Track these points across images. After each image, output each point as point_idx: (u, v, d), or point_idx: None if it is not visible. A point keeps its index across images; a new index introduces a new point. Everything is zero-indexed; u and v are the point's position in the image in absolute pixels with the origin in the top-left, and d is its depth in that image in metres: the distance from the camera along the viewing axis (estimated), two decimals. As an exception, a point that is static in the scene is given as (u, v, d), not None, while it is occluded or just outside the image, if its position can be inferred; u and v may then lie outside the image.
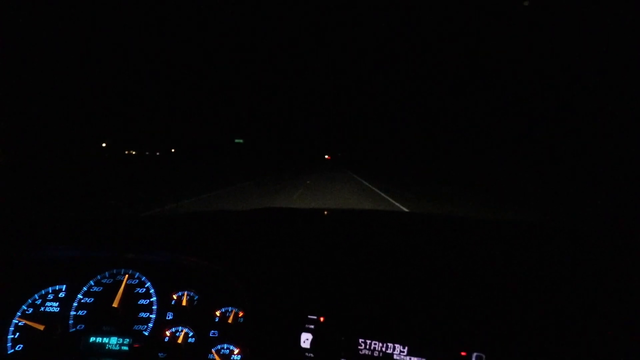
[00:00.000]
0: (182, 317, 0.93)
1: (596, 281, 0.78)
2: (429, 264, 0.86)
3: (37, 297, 0.96)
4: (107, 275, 0.99)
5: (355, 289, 0.83)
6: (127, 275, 0.98)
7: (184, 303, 0.94)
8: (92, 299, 0.96)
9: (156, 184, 13.28)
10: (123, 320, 0.93)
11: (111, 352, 0.90)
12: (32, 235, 1.04)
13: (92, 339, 0.91)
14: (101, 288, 0.98)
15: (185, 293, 0.95)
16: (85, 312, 0.95)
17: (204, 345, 0.89)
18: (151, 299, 0.96)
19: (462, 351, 0.72)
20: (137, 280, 0.98)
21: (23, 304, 0.95)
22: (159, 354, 0.89)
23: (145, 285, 0.98)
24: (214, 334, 0.91)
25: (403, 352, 0.75)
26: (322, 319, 0.79)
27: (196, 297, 0.96)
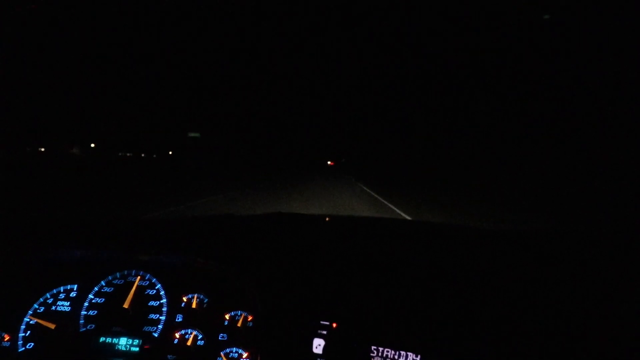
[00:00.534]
0: (192, 319, 0.93)
1: (607, 287, 0.78)
2: (445, 273, 0.86)
3: (48, 296, 0.97)
4: (118, 276, 1.00)
5: (369, 295, 0.82)
6: (139, 277, 0.98)
7: (193, 305, 0.94)
8: (103, 299, 0.97)
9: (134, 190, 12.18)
10: (133, 321, 0.93)
11: (121, 353, 0.90)
12: (45, 236, 1.05)
13: (102, 339, 0.91)
14: (112, 289, 0.98)
15: (195, 296, 0.96)
16: (96, 312, 0.95)
17: (213, 348, 0.89)
18: (161, 301, 0.96)
19: None
20: (148, 282, 0.99)
21: (35, 303, 0.95)
22: (168, 356, 0.89)
23: (156, 287, 0.98)
24: (223, 337, 0.90)
25: (416, 360, 0.74)
26: (334, 325, 0.78)
27: (206, 300, 0.96)
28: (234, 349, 0.88)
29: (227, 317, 0.92)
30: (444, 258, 0.96)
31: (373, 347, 0.76)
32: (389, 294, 0.82)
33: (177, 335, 0.91)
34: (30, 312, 0.94)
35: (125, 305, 0.92)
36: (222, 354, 0.88)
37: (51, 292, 0.97)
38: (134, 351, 0.90)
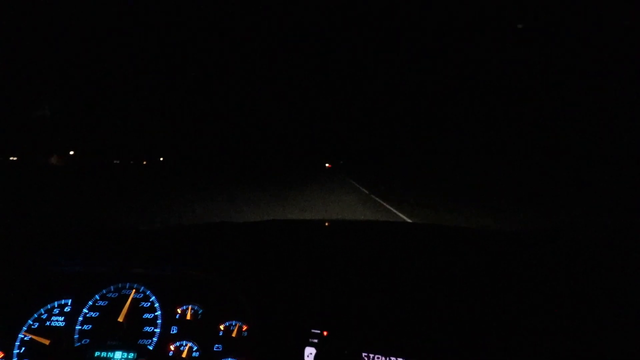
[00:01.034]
0: (187, 331, 0.94)
1: (607, 290, 0.79)
2: (435, 278, 0.87)
3: (43, 312, 0.97)
4: (112, 290, 1.00)
5: (360, 302, 0.83)
6: (133, 290, 0.99)
7: (188, 317, 0.95)
8: (98, 313, 0.97)
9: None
10: (128, 335, 0.94)
11: None
12: (38, 250, 1.05)
13: (97, 354, 0.92)
14: (106, 302, 0.99)
15: (190, 307, 0.96)
16: (91, 326, 0.96)
17: (208, 359, 0.90)
18: (156, 313, 0.97)
19: None
20: (142, 294, 0.99)
21: (29, 319, 0.96)
22: None
23: (150, 299, 0.99)
24: (218, 348, 0.91)
25: (406, 366, 0.75)
26: (325, 333, 0.80)
27: (200, 311, 0.96)
28: (229, 359, 0.89)
29: (221, 327, 0.93)
30: (435, 263, 0.98)
31: (364, 354, 0.77)
32: (379, 301, 0.83)
33: (172, 347, 0.92)
34: (24, 328, 0.94)
35: (120, 319, 0.93)
36: None
37: (45, 308, 0.98)
38: None
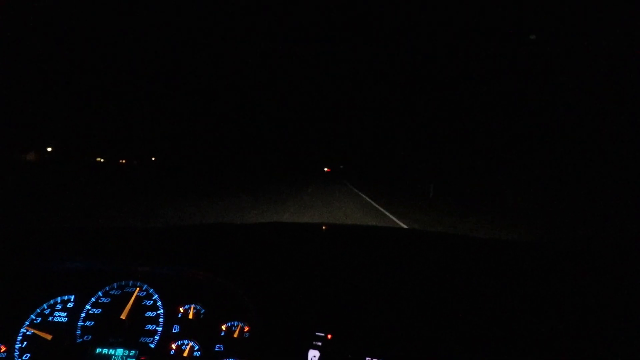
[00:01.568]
0: (189, 330, 0.94)
1: (599, 301, 0.79)
2: (439, 284, 0.87)
3: (45, 307, 0.97)
4: (115, 287, 1.00)
5: (364, 306, 0.83)
6: (137, 288, 0.99)
7: (190, 316, 0.95)
8: (100, 310, 0.97)
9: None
10: (130, 332, 0.94)
11: None
12: (42, 247, 1.06)
13: (98, 350, 0.92)
14: (109, 299, 0.99)
15: (192, 306, 0.96)
16: (93, 323, 0.96)
17: (209, 359, 0.90)
18: (158, 312, 0.97)
19: None
20: (145, 293, 0.99)
21: (32, 313, 0.96)
22: None
23: (153, 298, 0.99)
24: (219, 348, 0.91)
25: (410, 371, 0.75)
26: (329, 336, 0.80)
27: (203, 311, 0.96)
28: None
29: (223, 327, 0.93)
30: (440, 268, 0.98)
31: (368, 359, 0.77)
32: (384, 305, 0.83)
33: (173, 346, 0.92)
34: (26, 322, 0.94)
35: (123, 317, 0.93)
36: None
37: (48, 303, 0.98)
38: None
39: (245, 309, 0.92)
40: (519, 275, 0.94)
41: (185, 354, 0.90)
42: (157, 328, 0.95)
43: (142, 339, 0.93)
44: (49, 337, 0.90)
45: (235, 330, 0.92)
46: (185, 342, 0.92)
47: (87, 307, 0.98)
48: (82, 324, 0.95)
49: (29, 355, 0.91)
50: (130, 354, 0.91)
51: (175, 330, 0.94)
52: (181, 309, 0.97)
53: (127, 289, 1.00)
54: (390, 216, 10.24)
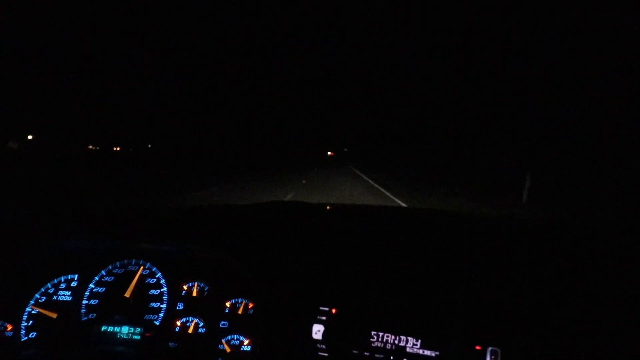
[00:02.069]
0: (193, 307, 0.94)
1: (610, 277, 0.77)
2: (444, 257, 0.85)
3: (50, 286, 0.97)
4: (118, 265, 1.00)
5: (368, 281, 0.82)
6: (141, 267, 0.98)
7: (194, 294, 0.94)
8: (104, 289, 0.97)
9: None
10: (134, 310, 0.94)
11: (122, 341, 0.91)
12: (47, 226, 1.05)
13: (103, 328, 0.92)
14: (112, 278, 0.98)
15: (196, 284, 0.96)
16: (97, 301, 0.96)
17: (214, 335, 0.89)
18: (162, 289, 0.97)
19: (477, 345, 0.71)
20: (148, 271, 0.99)
21: (36, 293, 0.96)
22: (170, 344, 0.90)
23: (156, 276, 0.98)
24: (224, 324, 0.91)
25: (416, 345, 0.74)
26: (334, 310, 0.78)
27: (206, 288, 0.96)
28: (235, 336, 0.89)
29: (227, 304, 0.93)
30: (443, 244, 0.96)
31: (373, 332, 0.76)
32: (388, 279, 0.82)
33: (178, 323, 0.92)
34: (32, 302, 0.95)
35: (127, 295, 0.92)
36: (223, 341, 0.88)
37: (52, 282, 0.98)
38: (136, 339, 0.91)
39: (249, 286, 0.91)
40: (533, 252, 0.92)
41: (190, 331, 0.90)
42: (162, 305, 0.95)
43: (147, 317, 0.93)
44: (54, 315, 0.90)
45: (239, 307, 0.91)
46: (190, 319, 0.92)
47: (91, 285, 0.97)
48: (87, 302, 0.96)
49: (35, 333, 0.91)
50: (136, 331, 0.91)
51: (179, 307, 0.94)
52: (185, 287, 0.96)
53: (130, 268, 0.99)
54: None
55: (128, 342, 0.91)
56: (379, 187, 12.92)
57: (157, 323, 0.93)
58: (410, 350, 0.74)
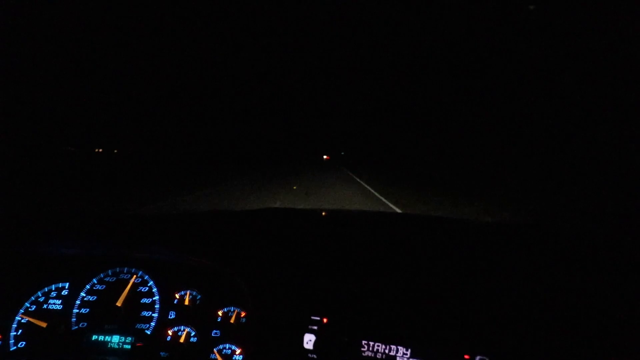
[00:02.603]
0: (185, 316, 0.93)
1: (598, 283, 0.78)
2: (432, 267, 0.86)
3: (40, 295, 0.96)
4: (109, 274, 0.99)
5: (359, 290, 0.82)
6: (134, 276, 0.98)
7: (186, 302, 0.94)
8: (95, 297, 0.97)
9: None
10: (125, 319, 0.93)
11: (113, 351, 0.90)
12: (36, 232, 1.04)
13: (94, 337, 0.91)
14: (104, 286, 0.98)
15: (188, 292, 0.96)
16: (88, 310, 0.95)
17: (206, 344, 0.89)
18: (154, 298, 0.96)
19: (466, 354, 0.72)
20: (140, 279, 0.98)
21: (26, 301, 0.95)
22: (161, 353, 0.89)
23: (148, 284, 0.98)
24: (216, 333, 0.91)
25: (406, 354, 0.75)
26: (325, 320, 0.79)
27: (199, 297, 0.96)
28: (227, 345, 0.88)
29: (220, 313, 0.92)
30: (434, 252, 0.97)
31: (364, 342, 0.77)
32: (378, 289, 0.82)
33: (169, 332, 0.91)
34: (21, 310, 0.94)
35: (119, 304, 0.92)
36: (215, 350, 0.88)
37: (42, 291, 0.97)
38: (127, 349, 0.90)
39: (241, 295, 0.91)
40: (520, 259, 0.93)
41: (181, 340, 0.89)
42: (153, 314, 0.94)
43: (138, 326, 0.93)
44: (44, 324, 0.89)
45: (231, 316, 0.91)
46: (182, 328, 0.92)
47: (82, 294, 0.97)
48: (77, 311, 0.95)
49: (24, 343, 0.91)
50: (127, 341, 0.91)
51: (171, 316, 0.94)
52: (177, 295, 0.96)
53: (122, 276, 0.99)
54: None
55: (119, 352, 0.90)
56: (373, 191, 12.61)
57: (148, 332, 0.92)
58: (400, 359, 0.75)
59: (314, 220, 1.34)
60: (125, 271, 1.00)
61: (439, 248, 0.98)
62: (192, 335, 0.91)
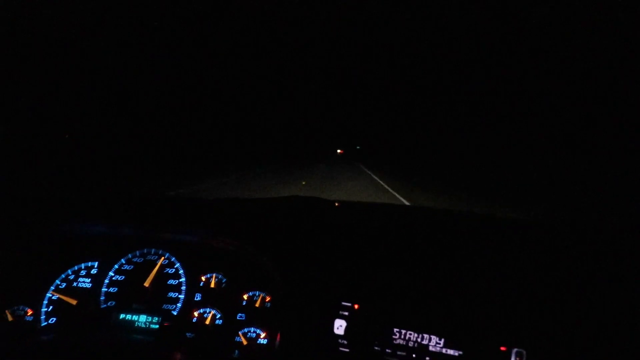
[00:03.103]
0: (210, 298, 0.94)
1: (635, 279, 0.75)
2: (470, 257, 0.84)
3: (70, 273, 0.98)
4: (138, 254, 1.00)
5: (392, 277, 0.81)
6: (162, 257, 0.98)
7: (212, 285, 0.94)
8: (123, 277, 0.98)
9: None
10: (152, 299, 0.94)
11: (140, 330, 0.91)
12: (68, 211, 1.06)
13: (122, 316, 0.92)
14: (132, 266, 0.99)
15: (214, 275, 0.96)
16: (116, 289, 0.96)
17: (231, 327, 0.89)
18: (180, 280, 0.97)
19: (502, 346, 0.69)
20: (167, 261, 0.99)
21: (57, 279, 0.97)
22: (187, 334, 0.90)
23: (175, 266, 0.98)
24: (241, 317, 0.91)
25: (439, 344, 0.73)
26: (356, 306, 0.77)
27: (224, 280, 0.96)
28: (252, 329, 0.88)
29: (245, 297, 0.92)
30: (471, 244, 0.95)
31: (395, 330, 0.75)
32: (411, 276, 0.81)
33: (195, 314, 0.92)
34: (52, 287, 0.95)
35: (146, 284, 0.93)
36: (240, 333, 0.88)
37: (72, 269, 0.98)
38: (154, 328, 0.91)
39: (267, 279, 0.91)
40: (560, 252, 0.91)
41: (207, 322, 0.90)
42: (180, 296, 0.95)
43: (165, 306, 0.94)
44: (74, 302, 0.91)
45: (256, 300, 0.91)
46: (207, 310, 0.92)
47: (111, 273, 0.98)
48: (106, 290, 0.96)
49: (54, 319, 0.92)
50: (154, 320, 0.92)
51: (197, 298, 0.94)
52: (203, 278, 0.96)
53: (149, 257, 1.00)
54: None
55: (146, 331, 0.91)
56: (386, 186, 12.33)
57: (174, 313, 0.93)
58: (433, 349, 0.73)
59: (343, 208, 1.33)
60: (152, 252, 1.00)
61: (477, 240, 0.96)
62: (217, 317, 0.91)
